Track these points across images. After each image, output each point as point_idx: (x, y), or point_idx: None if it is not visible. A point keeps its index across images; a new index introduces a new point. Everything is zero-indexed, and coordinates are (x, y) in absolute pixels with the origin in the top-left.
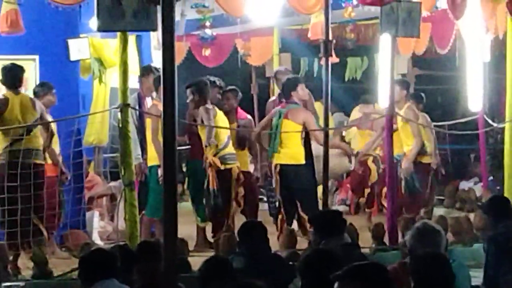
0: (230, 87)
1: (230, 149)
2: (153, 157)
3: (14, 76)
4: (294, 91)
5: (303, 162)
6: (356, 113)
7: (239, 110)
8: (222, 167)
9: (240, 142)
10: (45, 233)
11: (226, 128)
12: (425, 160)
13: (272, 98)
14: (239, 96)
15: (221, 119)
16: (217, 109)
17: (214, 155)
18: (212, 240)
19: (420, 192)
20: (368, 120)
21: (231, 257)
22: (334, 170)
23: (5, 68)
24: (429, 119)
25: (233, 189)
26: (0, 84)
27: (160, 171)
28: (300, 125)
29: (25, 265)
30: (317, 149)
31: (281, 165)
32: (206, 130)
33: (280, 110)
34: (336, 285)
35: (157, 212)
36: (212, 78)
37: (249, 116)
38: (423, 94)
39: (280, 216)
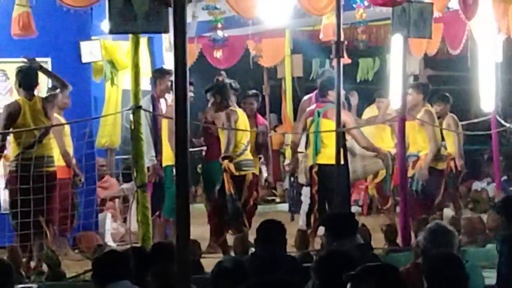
0: (252, 91)
1: (247, 155)
2: (169, 157)
3: (30, 80)
4: (331, 90)
5: (341, 162)
6: (371, 110)
7: (257, 114)
8: (237, 173)
9: (257, 147)
10: (49, 236)
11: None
12: (439, 166)
13: (307, 96)
14: (259, 99)
15: (243, 123)
16: (239, 111)
17: (230, 161)
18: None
19: (425, 196)
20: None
21: (245, 258)
22: (369, 169)
23: (20, 71)
24: (457, 120)
25: (243, 195)
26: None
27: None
28: (342, 125)
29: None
30: (356, 148)
31: (320, 165)
32: (225, 137)
33: (318, 110)
34: (348, 285)
35: (173, 213)
36: (227, 80)
37: (266, 122)
38: (448, 95)
39: (313, 216)
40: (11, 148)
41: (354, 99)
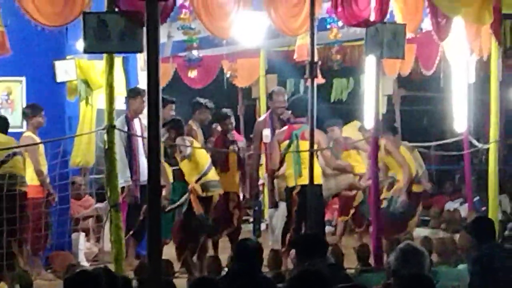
0: (228, 110)
1: (213, 176)
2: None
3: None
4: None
5: (321, 182)
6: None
7: (234, 131)
8: (203, 194)
9: (239, 164)
10: (21, 257)
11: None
12: (416, 189)
13: (261, 117)
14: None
15: (198, 149)
16: (193, 139)
17: (196, 181)
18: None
19: (400, 218)
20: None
21: (219, 277)
22: (341, 184)
23: None
24: (409, 145)
25: (210, 215)
26: None
27: (164, 191)
28: (316, 144)
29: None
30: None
31: (303, 186)
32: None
33: (295, 132)
34: None
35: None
36: (201, 100)
37: (243, 139)
38: (395, 125)
39: (288, 236)
40: None
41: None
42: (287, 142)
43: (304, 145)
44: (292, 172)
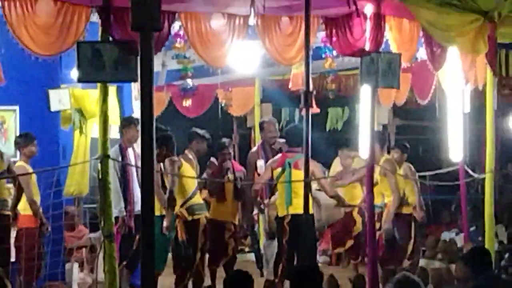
0: (226, 140)
1: (198, 199)
2: (157, 208)
3: None
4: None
5: (312, 212)
6: (337, 164)
7: (234, 161)
8: (190, 218)
9: (237, 194)
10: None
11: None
12: (406, 210)
13: (254, 148)
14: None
15: (187, 170)
16: (183, 160)
17: (181, 206)
18: None
19: (400, 244)
20: (349, 172)
21: None
22: (333, 216)
23: None
24: (413, 169)
25: (199, 240)
26: None
27: (165, 221)
28: (311, 175)
29: None
30: (322, 198)
31: (293, 215)
32: (169, 181)
33: (289, 161)
34: None
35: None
36: (199, 131)
37: (243, 169)
38: (407, 144)
39: (281, 266)
40: None
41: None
42: (279, 169)
43: (297, 174)
44: (283, 201)
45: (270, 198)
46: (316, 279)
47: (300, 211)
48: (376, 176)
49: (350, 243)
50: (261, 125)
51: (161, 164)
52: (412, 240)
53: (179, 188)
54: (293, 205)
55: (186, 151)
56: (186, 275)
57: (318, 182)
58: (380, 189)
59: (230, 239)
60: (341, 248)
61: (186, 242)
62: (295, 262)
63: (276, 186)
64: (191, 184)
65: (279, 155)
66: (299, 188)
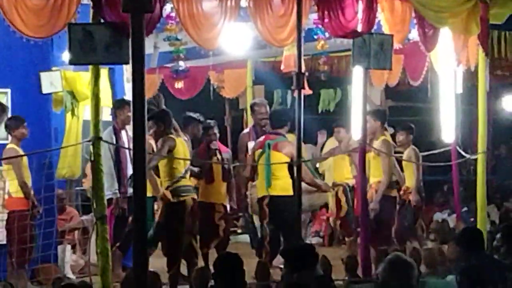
0: (211, 121)
1: (186, 181)
2: (149, 189)
3: None
4: (283, 127)
5: (292, 193)
6: (331, 142)
7: (219, 143)
8: (175, 200)
9: (224, 175)
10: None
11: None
12: (392, 193)
13: (246, 130)
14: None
15: (181, 151)
16: (179, 140)
17: (167, 188)
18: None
19: (386, 225)
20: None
21: None
22: (315, 203)
23: None
24: (418, 153)
25: (185, 223)
26: None
27: (155, 204)
28: (288, 157)
29: None
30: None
31: (272, 196)
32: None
33: (268, 142)
34: None
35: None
36: (193, 115)
37: (229, 150)
38: (413, 126)
39: (265, 248)
40: None
41: (322, 137)
42: (260, 151)
43: (276, 156)
44: (262, 182)
45: (253, 180)
46: (311, 259)
47: (280, 192)
48: (372, 155)
49: (338, 222)
50: (252, 107)
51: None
52: (396, 224)
53: (168, 169)
54: (273, 186)
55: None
56: (176, 257)
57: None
58: (372, 169)
59: (221, 221)
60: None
61: (167, 224)
62: (280, 244)
63: (257, 168)
64: (181, 167)
65: (262, 137)
66: (279, 170)
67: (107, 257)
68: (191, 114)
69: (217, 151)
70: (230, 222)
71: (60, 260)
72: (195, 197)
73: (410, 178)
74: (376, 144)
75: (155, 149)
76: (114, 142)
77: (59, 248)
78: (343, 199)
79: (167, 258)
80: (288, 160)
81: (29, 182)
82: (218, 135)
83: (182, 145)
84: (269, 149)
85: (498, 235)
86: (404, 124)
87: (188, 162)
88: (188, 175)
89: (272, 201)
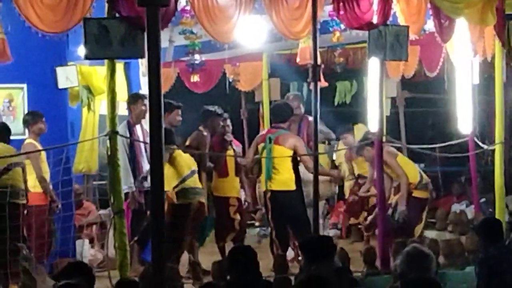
0: (224, 113)
1: (193, 182)
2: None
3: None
4: (287, 118)
5: (294, 188)
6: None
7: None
8: (181, 201)
9: (237, 168)
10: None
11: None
12: (421, 195)
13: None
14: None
15: (180, 155)
16: (178, 152)
17: (174, 188)
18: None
19: (409, 225)
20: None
21: (222, 284)
22: (322, 194)
23: None
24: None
25: (186, 225)
26: None
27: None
28: (291, 150)
29: None
30: (305, 173)
31: (273, 191)
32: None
33: (270, 136)
34: None
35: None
36: (211, 108)
37: (239, 144)
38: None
39: (274, 242)
40: None
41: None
42: (262, 145)
43: (278, 149)
44: (264, 176)
45: (259, 174)
46: (328, 250)
47: (281, 187)
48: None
49: (364, 215)
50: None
51: None
52: (422, 223)
53: (172, 169)
54: (273, 181)
55: (200, 128)
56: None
57: (301, 159)
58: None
59: (236, 214)
60: (355, 220)
61: (171, 226)
62: (288, 237)
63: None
64: (186, 167)
65: (265, 130)
66: (280, 164)
67: (125, 251)
68: (209, 107)
69: (231, 142)
70: (246, 216)
71: (78, 254)
72: (202, 200)
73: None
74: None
75: None
76: (129, 136)
77: (77, 242)
78: (373, 191)
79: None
80: (290, 153)
81: (48, 177)
82: (231, 127)
83: (181, 155)
84: (270, 143)
85: None
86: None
87: (195, 164)
88: (196, 176)
89: (273, 196)
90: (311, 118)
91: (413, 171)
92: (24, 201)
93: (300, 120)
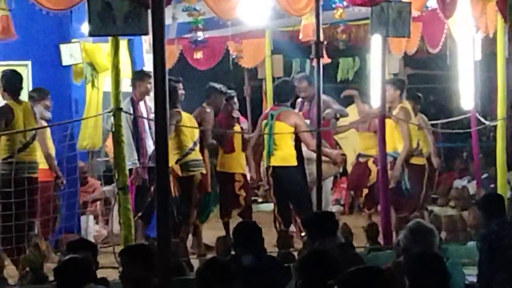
0: (231, 91)
1: (195, 155)
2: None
3: (15, 84)
4: (289, 97)
5: (295, 164)
6: (352, 111)
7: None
8: (184, 174)
9: (244, 145)
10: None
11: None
12: (418, 161)
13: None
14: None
15: (188, 124)
16: (185, 114)
17: (177, 162)
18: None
19: (410, 194)
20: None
21: (227, 258)
22: (327, 171)
23: (5, 75)
24: (426, 120)
25: (193, 197)
26: None
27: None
28: (292, 127)
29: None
30: (307, 151)
31: (274, 167)
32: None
33: (272, 113)
34: None
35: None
36: (216, 85)
37: (246, 120)
38: (420, 95)
39: (276, 218)
40: None
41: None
42: (265, 122)
43: (279, 126)
44: (265, 153)
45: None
46: (331, 226)
47: (282, 163)
48: (392, 122)
49: (365, 191)
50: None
51: None
52: (423, 191)
53: (175, 143)
54: (275, 157)
55: (204, 105)
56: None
57: (301, 137)
58: (393, 137)
59: (241, 190)
60: (360, 197)
61: (179, 198)
62: (290, 213)
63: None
64: (190, 139)
65: (269, 108)
66: (281, 140)
67: (130, 227)
68: (215, 84)
69: (238, 119)
70: (251, 192)
71: (83, 230)
72: (204, 171)
73: (425, 145)
74: (395, 112)
75: None
76: (132, 113)
77: (82, 218)
78: (374, 169)
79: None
80: (291, 130)
81: (53, 154)
82: (238, 105)
83: (189, 120)
84: (272, 120)
85: None
86: (412, 94)
87: (197, 136)
88: (197, 148)
89: (274, 171)
90: (324, 97)
91: (422, 138)
92: (37, 176)
93: (312, 100)
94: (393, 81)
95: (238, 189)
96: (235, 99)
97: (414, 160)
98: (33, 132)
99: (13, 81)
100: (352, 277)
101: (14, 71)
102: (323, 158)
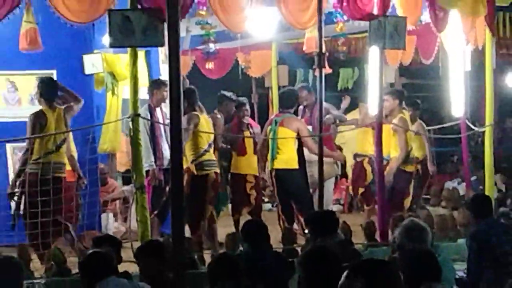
0: (243, 98)
1: (210, 155)
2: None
3: (51, 91)
4: (293, 105)
5: (296, 167)
6: (353, 116)
7: (250, 119)
8: (199, 173)
9: (255, 148)
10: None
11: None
12: (408, 168)
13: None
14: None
15: (205, 126)
16: (203, 117)
17: (192, 162)
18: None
19: (398, 196)
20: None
21: (236, 254)
22: (328, 173)
23: (42, 82)
24: (425, 126)
25: (208, 194)
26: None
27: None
28: (294, 132)
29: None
30: (311, 155)
31: (276, 169)
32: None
33: (276, 119)
34: (342, 280)
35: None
36: (227, 93)
37: (257, 125)
38: (419, 101)
39: (280, 216)
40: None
41: (346, 102)
42: (269, 128)
43: (282, 131)
44: (269, 156)
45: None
46: (332, 224)
47: (284, 166)
48: (390, 130)
49: (361, 190)
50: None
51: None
52: (409, 197)
53: (191, 144)
54: (277, 160)
55: (215, 111)
56: (198, 224)
57: (303, 141)
58: (389, 143)
59: (252, 190)
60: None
61: (193, 196)
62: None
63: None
64: (206, 141)
65: (274, 114)
66: (283, 145)
67: (146, 224)
68: (225, 93)
69: (249, 125)
70: (261, 192)
71: (103, 227)
72: (218, 171)
73: (418, 149)
74: (394, 122)
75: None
76: (150, 119)
77: (102, 216)
78: (369, 169)
79: (189, 226)
80: (294, 135)
81: (75, 156)
82: (249, 111)
83: (206, 122)
84: (275, 126)
85: (508, 201)
86: (412, 101)
87: (212, 137)
88: (212, 150)
89: (277, 174)
90: (324, 104)
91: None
92: (64, 175)
93: (313, 108)
94: (392, 92)
95: (250, 189)
96: (247, 106)
97: (404, 166)
98: (63, 136)
99: (49, 89)
100: (361, 268)
101: (51, 79)
102: (325, 159)
